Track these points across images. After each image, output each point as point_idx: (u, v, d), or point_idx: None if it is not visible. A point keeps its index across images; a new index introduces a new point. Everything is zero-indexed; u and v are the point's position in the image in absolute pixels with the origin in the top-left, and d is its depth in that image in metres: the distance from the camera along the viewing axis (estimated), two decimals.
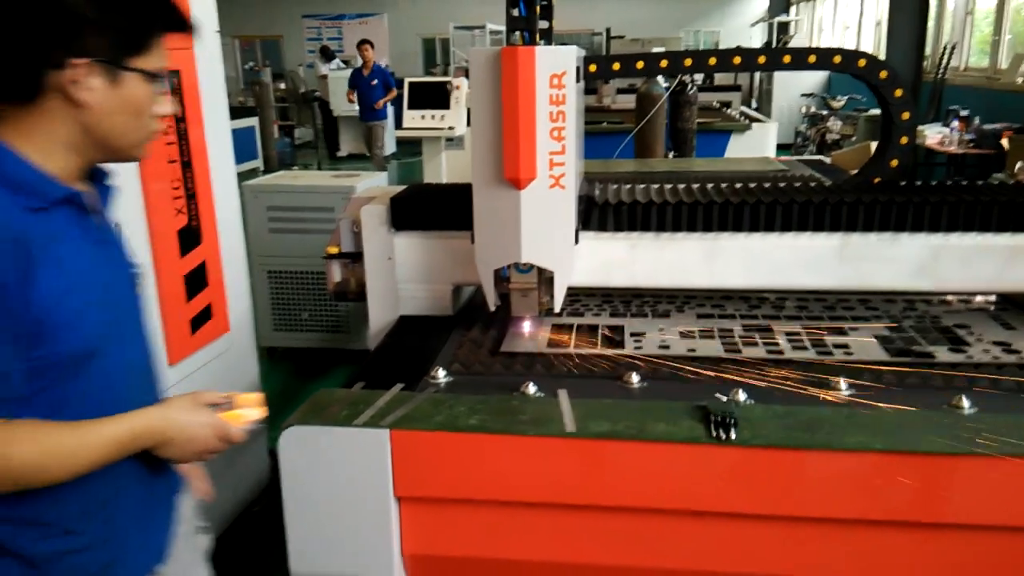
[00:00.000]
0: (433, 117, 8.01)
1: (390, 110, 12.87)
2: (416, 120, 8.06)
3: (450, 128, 7.93)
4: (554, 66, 1.84)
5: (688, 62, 2.28)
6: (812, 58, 2.34)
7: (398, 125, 8.04)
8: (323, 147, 14.02)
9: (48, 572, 1.25)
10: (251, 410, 1.44)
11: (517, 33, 1.92)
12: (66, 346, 1.19)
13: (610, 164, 4.78)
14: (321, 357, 4.77)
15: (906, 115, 2.48)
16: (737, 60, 2.27)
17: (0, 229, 1.10)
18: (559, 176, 1.93)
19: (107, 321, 1.26)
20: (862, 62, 2.39)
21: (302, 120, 16.15)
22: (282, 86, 16.23)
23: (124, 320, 1.34)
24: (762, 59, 2.31)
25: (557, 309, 2.18)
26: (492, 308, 2.21)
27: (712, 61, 2.28)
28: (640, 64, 2.26)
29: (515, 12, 1.89)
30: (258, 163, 12.40)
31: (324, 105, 13.97)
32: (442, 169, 8.03)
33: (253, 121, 12.42)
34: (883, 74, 2.42)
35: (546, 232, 2.01)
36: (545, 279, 2.14)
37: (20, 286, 1.11)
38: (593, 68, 2.24)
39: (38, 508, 1.23)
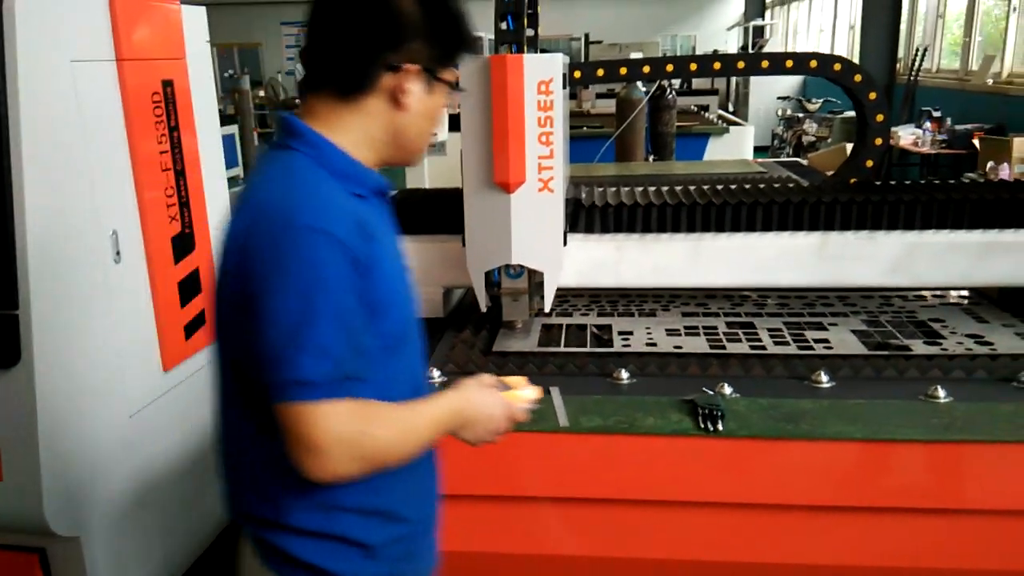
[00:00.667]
0: None
1: None
2: None
3: (432, 134, 7.98)
4: (542, 73, 1.91)
5: (670, 68, 2.36)
6: (789, 63, 2.42)
7: None
8: None
9: (380, 558, 1.30)
10: (527, 390, 1.46)
11: (505, 46, 1.97)
12: (393, 326, 1.25)
13: (591, 168, 4.85)
14: None
15: (880, 117, 2.57)
16: (717, 65, 2.35)
17: (346, 210, 1.18)
18: (548, 180, 1.99)
19: (411, 308, 1.34)
20: (837, 66, 2.48)
21: None
22: (261, 93, 16.18)
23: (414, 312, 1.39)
24: (741, 64, 2.39)
25: (547, 309, 2.24)
26: (483, 309, 2.26)
27: (693, 67, 2.36)
28: (623, 70, 2.33)
29: (503, 26, 1.95)
30: (238, 170, 12.30)
31: None
32: (424, 175, 8.07)
33: (232, 129, 12.35)
34: (857, 77, 2.50)
35: (536, 234, 2.07)
36: (535, 282, 2.20)
37: (367, 263, 1.17)
38: (578, 74, 2.31)
39: (378, 497, 1.28)
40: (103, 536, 2.24)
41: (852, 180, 2.64)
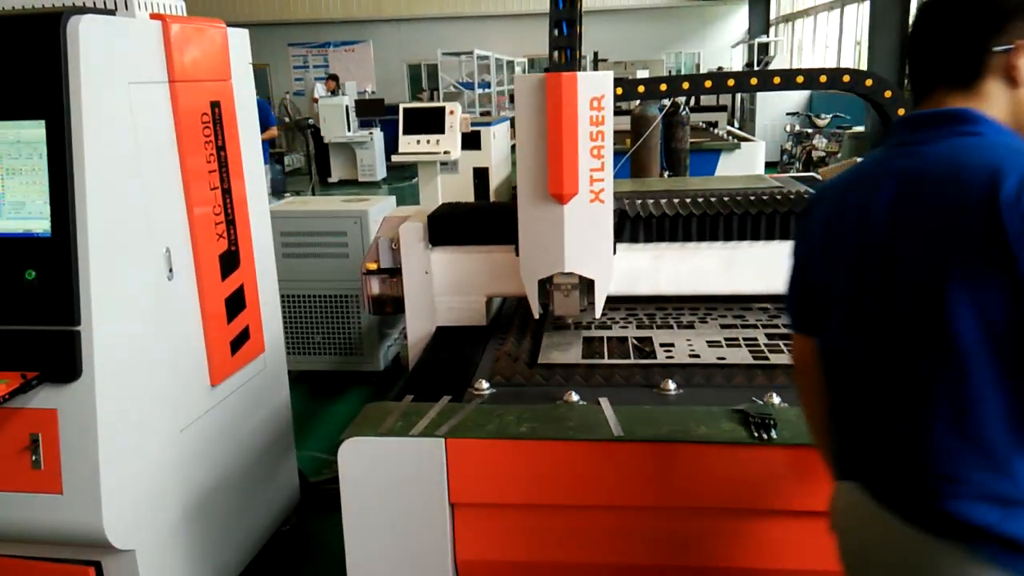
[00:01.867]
0: (428, 142, 8.14)
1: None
2: (411, 145, 8.18)
3: (446, 152, 8.07)
4: (594, 90, 1.96)
5: (708, 84, 2.41)
6: (823, 78, 2.49)
7: (394, 150, 8.17)
8: (315, 173, 14.11)
9: None
10: None
11: (557, 52, 2.03)
12: None
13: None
14: (334, 379, 4.83)
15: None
16: (754, 81, 2.41)
17: None
18: (599, 191, 2.05)
19: None
20: (869, 82, 2.53)
21: (292, 147, 16.27)
22: None
23: None
24: (777, 79, 2.44)
25: (598, 315, 2.29)
26: (536, 316, 2.32)
27: (730, 82, 2.41)
28: (663, 86, 2.38)
29: (556, 32, 2.01)
30: None
31: (315, 132, 14.11)
32: (438, 193, 8.14)
33: None
34: (888, 94, 2.55)
35: (587, 243, 2.13)
36: (583, 287, 2.25)
37: None
38: (619, 91, 2.36)
39: None
40: (157, 549, 2.27)
41: None
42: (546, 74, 1.95)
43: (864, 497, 1.35)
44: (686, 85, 2.39)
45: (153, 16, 2.29)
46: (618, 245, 2.37)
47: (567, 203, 2.06)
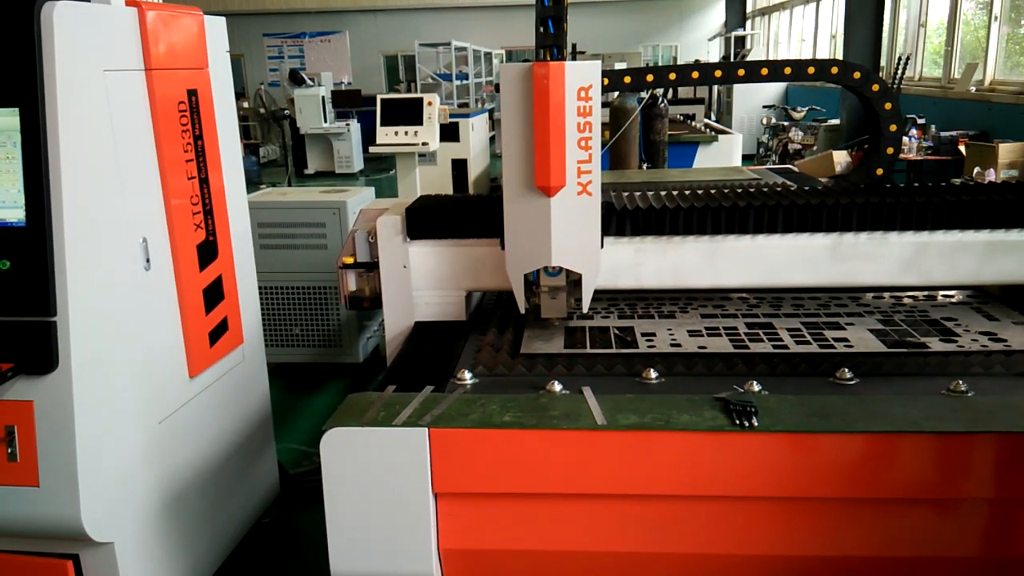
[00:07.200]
0: (407, 133, 8.10)
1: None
2: (389, 136, 8.14)
3: (424, 144, 8.03)
4: (582, 80, 1.95)
5: (695, 75, 2.41)
6: (811, 69, 2.48)
7: (372, 141, 8.12)
8: (291, 164, 13.99)
9: None
10: None
11: (543, 51, 2.01)
12: None
13: None
14: (313, 372, 4.80)
15: (893, 127, 2.64)
16: (741, 72, 2.41)
17: None
18: (587, 184, 2.04)
19: None
20: (856, 74, 2.54)
21: (267, 138, 16.13)
22: (244, 104, 16.20)
23: None
24: (765, 71, 2.44)
25: (585, 310, 2.28)
26: (522, 311, 2.30)
27: (718, 73, 2.41)
28: (650, 77, 2.38)
29: (542, 30, 1.99)
30: None
31: (291, 122, 13.99)
32: (416, 184, 8.10)
33: None
34: (875, 87, 2.57)
35: (575, 236, 2.12)
36: (571, 283, 2.24)
37: None
38: (606, 81, 2.36)
39: None
40: (135, 541, 2.24)
41: (862, 185, 2.70)
42: (533, 63, 1.93)
43: None
44: (673, 76, 2.39)
45: (129, 3, 2.25)
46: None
47: (554, 196, 2.05)
